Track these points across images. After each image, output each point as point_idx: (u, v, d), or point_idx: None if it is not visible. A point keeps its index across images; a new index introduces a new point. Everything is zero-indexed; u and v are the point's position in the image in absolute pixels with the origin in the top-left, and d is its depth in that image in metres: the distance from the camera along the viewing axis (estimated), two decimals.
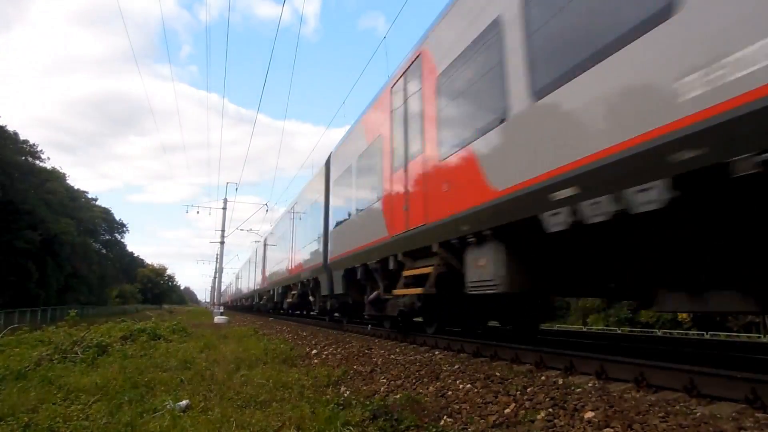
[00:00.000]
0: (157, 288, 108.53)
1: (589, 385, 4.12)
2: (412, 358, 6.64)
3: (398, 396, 4.66)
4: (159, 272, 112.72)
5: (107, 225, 73.90)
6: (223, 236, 32.28)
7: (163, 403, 4.25)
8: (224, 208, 32.09)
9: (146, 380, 5.38)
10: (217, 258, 40.31)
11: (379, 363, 6.59)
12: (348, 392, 5.04)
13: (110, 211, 75.30)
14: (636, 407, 3.31)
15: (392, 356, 6.99)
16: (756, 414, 3.00)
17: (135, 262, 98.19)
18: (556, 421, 3.36)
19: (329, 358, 7.75)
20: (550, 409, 3.55)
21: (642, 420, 3.06)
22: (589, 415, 3.29)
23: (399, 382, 5.30)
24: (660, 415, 3.11)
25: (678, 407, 3.25)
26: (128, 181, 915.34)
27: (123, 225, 79.32)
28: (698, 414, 3.08)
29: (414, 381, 5.26)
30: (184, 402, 4.31)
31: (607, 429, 3.04)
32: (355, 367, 6.57)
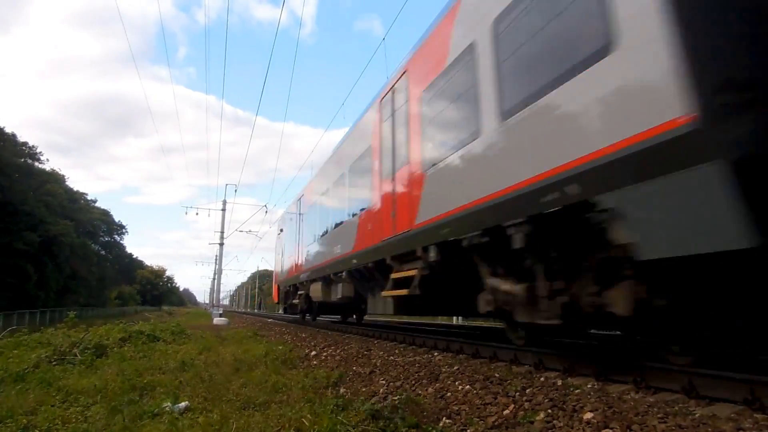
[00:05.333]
0: (156, 289, 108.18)
1: (588, 386, 4.12)
2: (411, 359, 6.63)
3: (397, 397, 4.66)
4: (158, 274, 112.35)
5: (106, 227, 73.60)
6: (222, 237, 32.31)
7: (161, 404, 4.25)
8: (223, 210, 32.14)
9: (145, 382, 5.37)
10: (216, 259, 40.34)
11: (378, 364, 6.59)
12: (348, 393, 5.04)
13: (109, 212, 75.01)
14: (635, 408, 3.31)
15: (391, 357, 6.98)
16: (755, 415, 3.00)
17: (134, 264, 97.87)
18: (555, 422, 3.36)
19: (328, 359, 7.75)
20: (549, 410, 3.55)
21: (641, 421, 3.06)
22: (588, 416, 3.29)
23: (398, 384, 5.29)
24: (659, 416, 3.11)
25: (677, 408, 3.25)
26: (126, 182, 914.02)
27: (122, 227, 78.91)
28: (697, 415, 3.08)
29: (413, 382, 5.25)
30: (183, 404, 4.30)
31: (606, 430, 3.04)
32: (354, 368, 6.56)
